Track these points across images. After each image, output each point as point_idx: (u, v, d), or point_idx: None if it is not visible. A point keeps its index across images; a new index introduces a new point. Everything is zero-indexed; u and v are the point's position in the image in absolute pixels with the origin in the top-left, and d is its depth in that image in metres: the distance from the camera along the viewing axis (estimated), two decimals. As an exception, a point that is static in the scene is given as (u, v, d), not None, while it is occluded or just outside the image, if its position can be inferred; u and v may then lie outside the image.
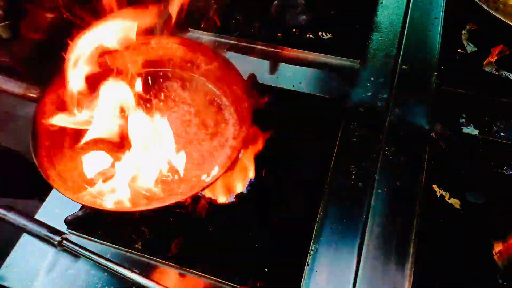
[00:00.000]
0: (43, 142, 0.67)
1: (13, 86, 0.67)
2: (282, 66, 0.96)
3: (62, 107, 0.69)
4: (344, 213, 0.73)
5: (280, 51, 0.98)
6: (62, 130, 0.70)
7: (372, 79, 0.91)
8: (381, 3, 1.07)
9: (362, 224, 0.71)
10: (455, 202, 0.72)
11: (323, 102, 0.84)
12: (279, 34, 0.99)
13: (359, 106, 0.86)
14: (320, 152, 0.79)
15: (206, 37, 1.03)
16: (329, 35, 0.97)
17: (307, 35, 0.97)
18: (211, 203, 0.77)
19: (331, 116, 0.84)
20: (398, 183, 0.76)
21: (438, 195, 0.73)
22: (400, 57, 0.95)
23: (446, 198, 0.73)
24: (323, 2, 1.09)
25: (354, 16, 1.01)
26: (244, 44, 1.00)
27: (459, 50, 0.93)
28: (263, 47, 0.99)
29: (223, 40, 1.02)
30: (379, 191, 0.75)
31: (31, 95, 0.68)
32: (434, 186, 0.74)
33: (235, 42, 1.01)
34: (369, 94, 0.88)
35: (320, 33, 0.97)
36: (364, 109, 0.86)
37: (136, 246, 0.70)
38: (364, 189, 0.75)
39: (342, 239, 0.70)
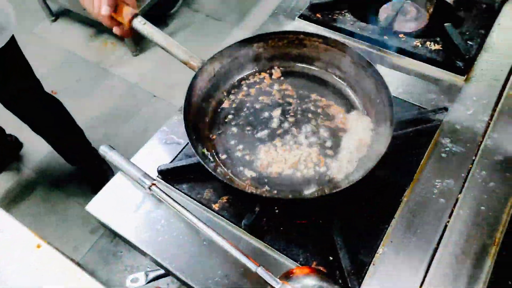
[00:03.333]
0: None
1: (181, 53, 0.78)
2: (382, 69, 0.95)
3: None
4: (419, 224, 0.72)
5: (382, 54, 0.98)
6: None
7: (474, 98, 0.87)
8: (499, 24, 1.01)
9: (437, 240, 0.70)
10: (542, 240, 0.68)
11: (419, 111, 0.83)
12: (385, 37, 0.98)
13: (456, 123, 0.83)
14: (406, 158, 0.78)
15: (310, 28, 1.06)
16: (437, 46, 0.94)
17: (414, 43, 0.96)
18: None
19: (424, 126, 0.82)
20: (482, 207, 0.73)
21: (526, 230, 0.69)
22: (510, 82, 0.90)
23: (533, 234, 0.69)
24: (436, 13, 1.06)
25: (466, 32, 0.97)
26: (348, 41, 1.01)
27: None
28: (365, 47, 1.00)
29: (326, 34, 1.03)
30: (461, 211, 0.73)
31: (192, 63, 0.78)
32: (523, 219, 0.70)
33: (338, 38, 1.02)
34: (469, 113, 0.85)
35: (428, 42, 0.95)
36: (460, 126, 0.83)
37: (214, 207, 0.76)
38: (445, 206, 0.73)
39: (412, 250, 0.69)
